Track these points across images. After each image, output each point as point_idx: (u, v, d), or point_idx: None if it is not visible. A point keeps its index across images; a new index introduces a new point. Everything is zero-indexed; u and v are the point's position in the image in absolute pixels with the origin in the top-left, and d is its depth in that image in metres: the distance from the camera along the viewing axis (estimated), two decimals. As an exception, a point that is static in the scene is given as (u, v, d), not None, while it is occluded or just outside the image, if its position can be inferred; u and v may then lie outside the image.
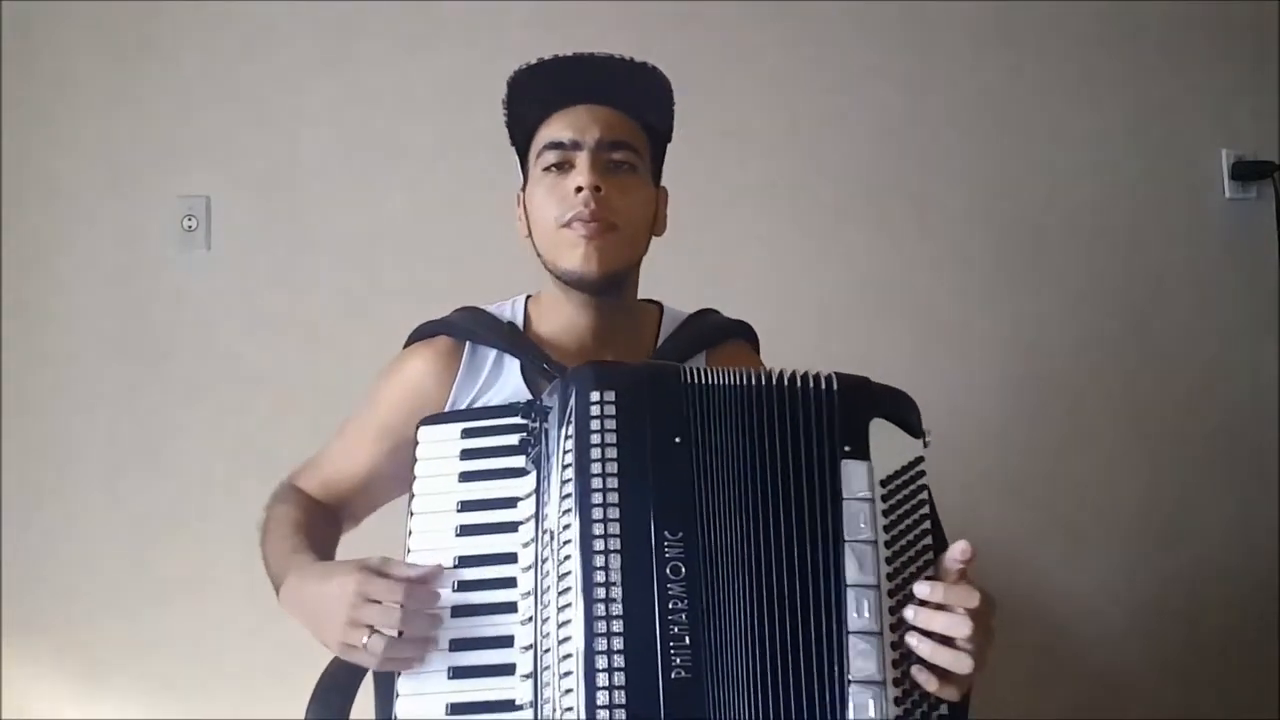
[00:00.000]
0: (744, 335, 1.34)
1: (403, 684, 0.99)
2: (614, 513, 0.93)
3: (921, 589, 0.94)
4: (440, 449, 1.08)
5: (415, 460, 1.08)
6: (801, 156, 2.09)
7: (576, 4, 2.05)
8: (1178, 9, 2.20)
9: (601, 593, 0.90)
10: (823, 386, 1.00)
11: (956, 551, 0.94)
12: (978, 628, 0.92)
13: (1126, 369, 2.13)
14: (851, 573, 0.94)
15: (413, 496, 1.07)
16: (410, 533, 1.05)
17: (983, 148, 2.14)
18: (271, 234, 1.98)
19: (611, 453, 0.95)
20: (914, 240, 2.10)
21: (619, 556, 0.92)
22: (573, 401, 0.97)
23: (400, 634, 0.97)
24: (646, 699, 0.88)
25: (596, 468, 0.94)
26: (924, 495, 0.99)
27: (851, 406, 0.99)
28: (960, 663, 0.92)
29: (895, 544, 0.96)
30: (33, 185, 1.95)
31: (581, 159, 1.16)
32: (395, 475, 1.23)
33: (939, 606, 0.93)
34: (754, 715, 0.90)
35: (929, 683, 0.93)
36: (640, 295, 1.31)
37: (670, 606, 0.91)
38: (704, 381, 1.00)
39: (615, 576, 0.91)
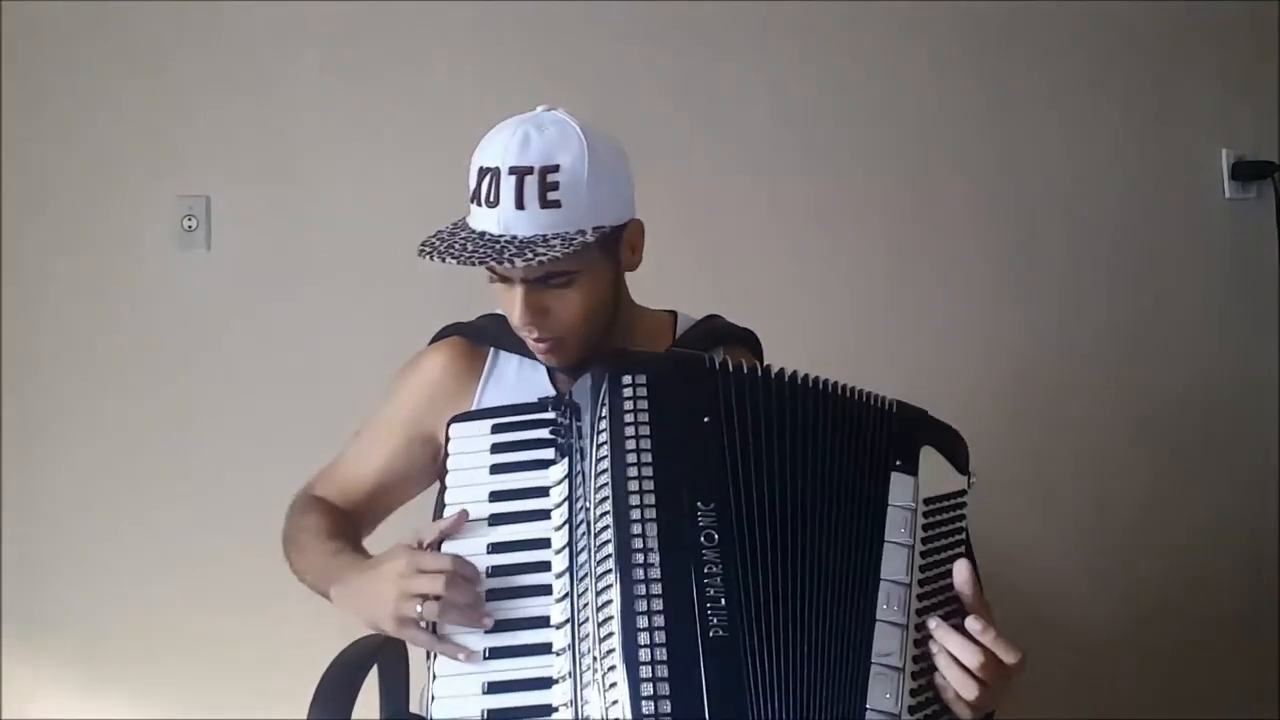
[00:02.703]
0: (748, 343, 1.36)
1: (440, 665, 1.02)
2: (649, 485, 0.98)
3: (974, 625, 0.97)
4: (471, 444, 1.11)
5: (447, 455, 1.12)
6: (799, 158, 2.09)
7: (578, 4, 2.05)
8: (1178, 10, 2.20)
9: (640, 558, 0.95)
10: (884, 406, 1.09)
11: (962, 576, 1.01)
12: (991, 664, 0.95)
13: (1126, 369, 2.14)
14: (887, 568, 1.00)
15: (444, 489, 1.11)
16: None
17: (982, 149, 2.14)
18: (271, 234, 1.98)
19: (645, 430, 1.00)
20: (913, 241, 2.10)
21: (655, 525, 0.97)
22: (605, 385, 1.03)
23: (439, 599, 1.00)
24: (687, 656, 0.92)
25: (631, 444, 1.00)
26: (962, 524, 1.06)
27: (907, 428, 1.08)
28: (965, 685, 0.95)
29: (929, 557, 1.03)
30: (33, 185, 1.95)
31: (515, 293, 1.10)
32: (410, 472, 1.27)
33: (969, 639, 0.97)
34: (787, 675, 0.94)
35: (945, 689, 0.97)
36: (639, 297, 1.32)
37: (706, 571, 0.95)
38: (729, 367, 1.06)
39: (653, 544, 0.96)
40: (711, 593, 0.94)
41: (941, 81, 2.14)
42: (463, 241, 1.10)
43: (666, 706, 0.90)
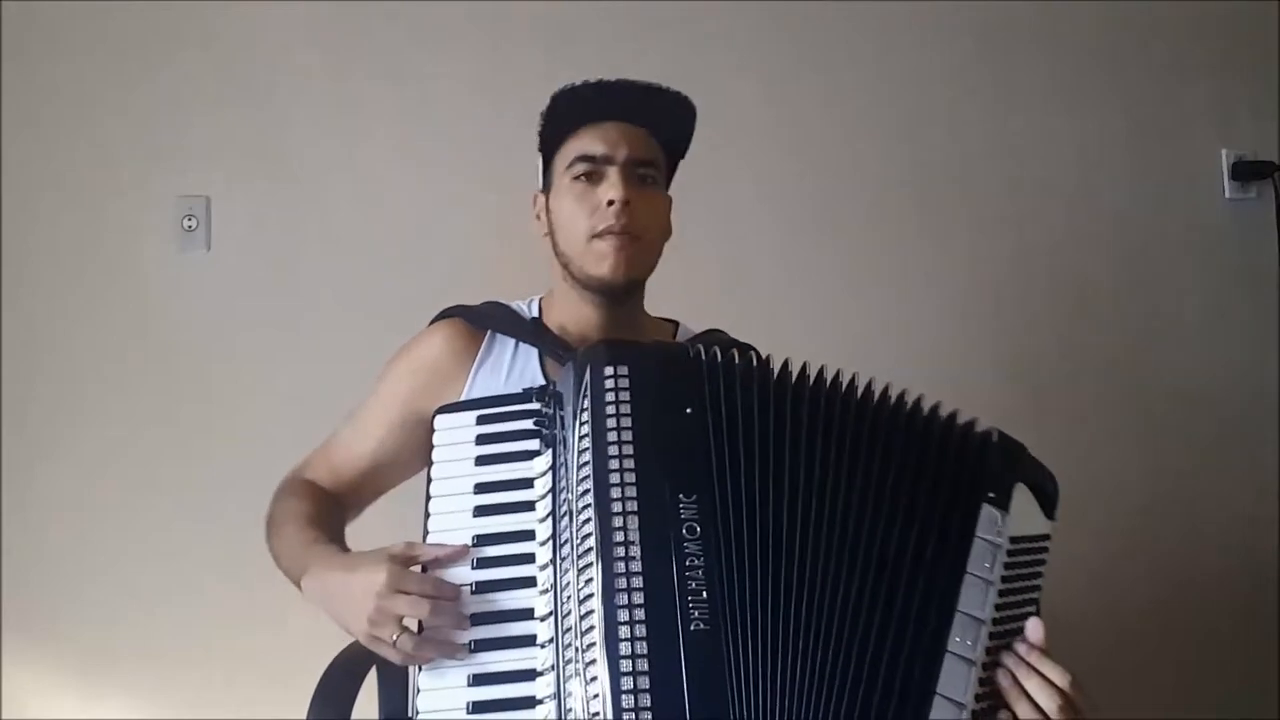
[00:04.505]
0: None
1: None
2: (630, 478, 0.97)
3: (1053, 671, 0.97)
4: (456, 435, 1.12)
5: (433, 446, 1.12)
6: (798, 158, 2.09)
7: (576, 4, 2.04)
8: (1178, 10, 2.20)
9: (621, 552, 0.95)
10: (981, 430, 1.08)
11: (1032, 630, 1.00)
12: (1068, 710, 0.96)
13: (1127, 369, 2.13)
14: (965, 601, 0.99)
15: (430, 481, 1.10)
16: (429, 515, 1.08)
17: (982, 148, 2.14)
18: (271, 234, 1.98)
19: (626, 423, 0.99)
20: (913, 241, 2.10)
21: (636, 518, 0.96)
22: (588, 377, 1.02)
23: (420, 627, 1.00)
24: (668, 647, 0.92)
25: (613, 436, 0.99)
26: (1041, 570, 1.05)
27: (1005, 461, 1.06)
28: None
29: (1006, 596, 1.00)
30: (33, 185, 1.95)
31: (613, 173, 1.21)
32: (402, 454, 1.27)
33: (1049, 682, 0.97)
34: (776, 672, 0.93)
35: None
36: (649, 299, 1.34)
37: (687, 563, 0.95)
38: (716, 358, 1.05)
39: (634, 537, 0.95)
40: (693, 585, 0.94)
41: (942, 81, 2.14)
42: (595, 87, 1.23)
43: (646, 700, 0.89)
